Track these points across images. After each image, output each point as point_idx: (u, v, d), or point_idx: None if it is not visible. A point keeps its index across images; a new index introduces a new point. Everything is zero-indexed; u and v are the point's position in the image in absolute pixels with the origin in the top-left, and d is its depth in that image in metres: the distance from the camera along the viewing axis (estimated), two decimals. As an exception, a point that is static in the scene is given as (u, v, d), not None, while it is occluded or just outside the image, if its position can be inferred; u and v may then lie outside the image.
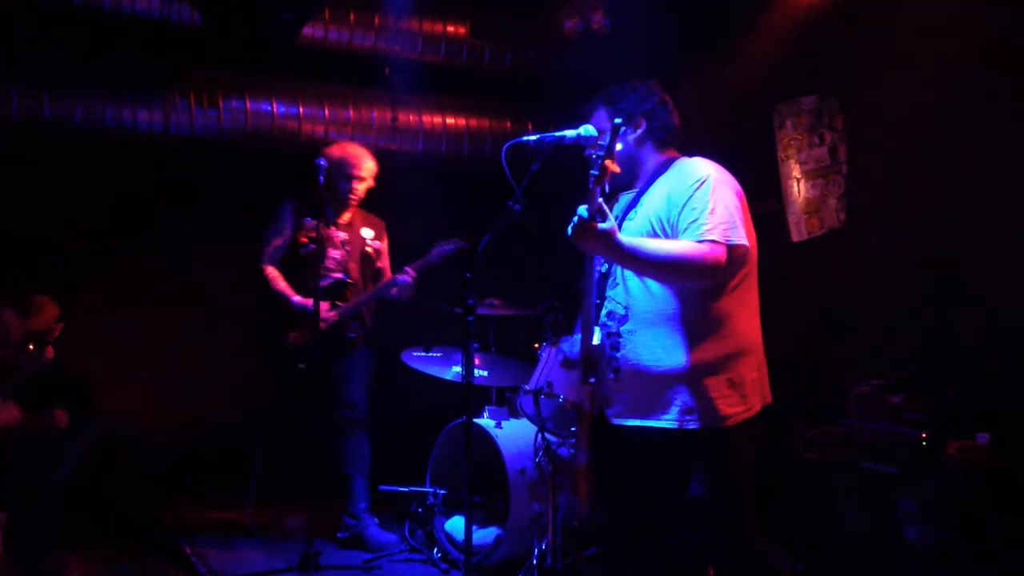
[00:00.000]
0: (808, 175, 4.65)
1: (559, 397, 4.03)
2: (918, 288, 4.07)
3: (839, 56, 4.50)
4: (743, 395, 2.66)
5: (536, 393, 4.08)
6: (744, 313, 2.72)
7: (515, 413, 4.61)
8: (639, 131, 2.84)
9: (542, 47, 5.74)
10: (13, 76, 4.77)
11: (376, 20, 5.33)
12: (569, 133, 2.92)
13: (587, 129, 2.92)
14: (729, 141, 4.71)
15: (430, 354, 4.62)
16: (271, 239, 4.74)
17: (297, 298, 4.61)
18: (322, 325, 4.45)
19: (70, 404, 4.25)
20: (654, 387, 2.65)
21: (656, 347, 2.66)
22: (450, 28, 5.54)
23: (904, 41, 4.19)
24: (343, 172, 4.66)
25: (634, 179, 2.86)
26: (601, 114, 2.86)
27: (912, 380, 3.75)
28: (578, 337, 2.89)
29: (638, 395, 2.68)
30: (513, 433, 4.45)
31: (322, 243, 4.57)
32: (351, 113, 5.52)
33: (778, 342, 2.94)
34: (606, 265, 2.74)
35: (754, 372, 2.71)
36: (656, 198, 2.73)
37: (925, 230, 4.05)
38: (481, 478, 4.50)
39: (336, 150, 4.74)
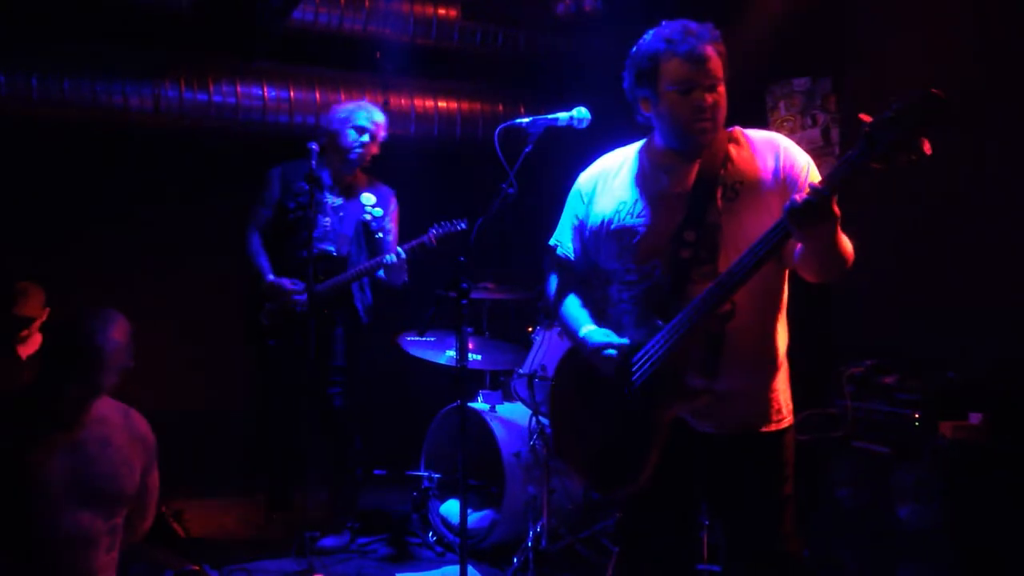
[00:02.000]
0: (800, 157, 4.64)
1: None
2: (911, 269, 4.08)
3: (832, 37, 4.49)
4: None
5: (530, 377, 4.10)
6: None
7: (509, 397, 4.62)
8: None
9: (534, 29, 5.72)
10: (1, 60, 4.74)
11: (366, 2, 5.29)
12: (562, 115, 2.90)
13: (580, 112, 2.90)
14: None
15: (424, 338, 4.58)
16: (258, 206, 4.45)
17: (271, 277, 4.33)
18: (292, 305, 4.26)
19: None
20: (756, 385, 2.42)
21: (761, 343, 2.43)
22: (441, 10, 5.51)
23: (897, 21, 4.17)
24: (353, 122, 4.32)
25: (696, 153, 2.47)
26: (720, 61, 2.44)
27: (905, 360, 3.77)
28: (604, 331, 2.48)
29: (738, 395, 2.38)
30: (507, 417, 4.46)
31: (312, 209, 4.18)
32: (342, 97, 5.48)
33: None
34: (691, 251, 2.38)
35: None
36: (753, 168, 2.41)
37: (919, 211, 4.05)
38: (476, 462, 4.51)
39: (347, 103, 4.47)
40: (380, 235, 4.47)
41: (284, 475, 4.60)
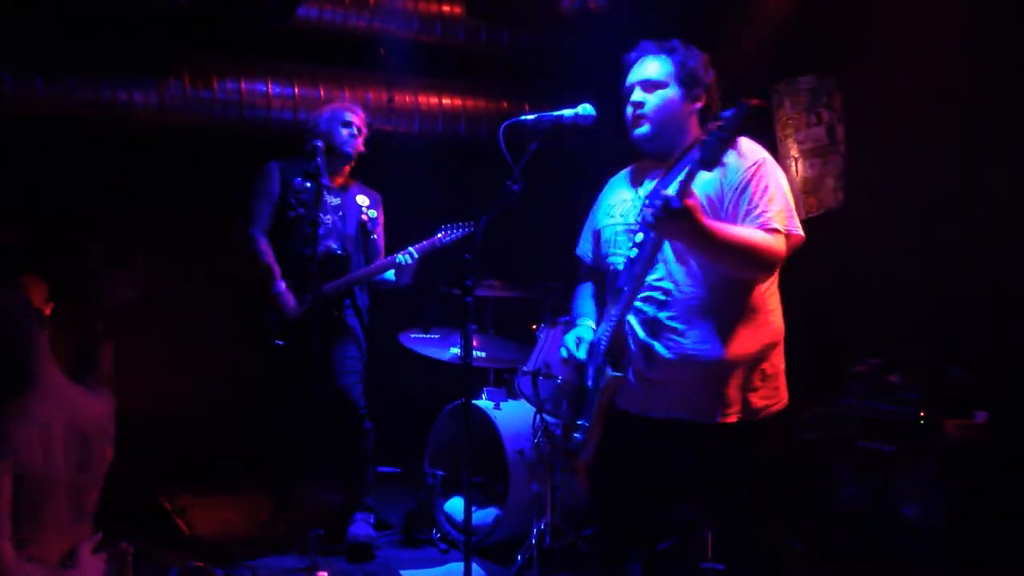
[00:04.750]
0: (806, 155, 4.65)
1: (557, 378, 4.04)
2: (916, 267, 4.07)
3: (837, 35, 4.49)
4: (775, 387, 2.57)
5: (534, 374, 4.09)
6: (776, 304, 2.61)
7: (513, 394, 4.62)
8: (696, 104, 2.63)
9: (539, 26, 5.71)
10: (5, 59, 4.73)
11: (371, 0, 5.29)
12: (567, 113, 2.89)
13: (585, 108, 2.89)
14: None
15: (428, 335, 4.59)
16: (260, 203, 4.39)
17: (281, 283, 4.28)
18: (296, 312, 4.22)
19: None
20: (695, 377, 2.51)
21: (701, 336, 2.50)
22: (446, 8, 5.51)
23: (902, 19, 4.17)
24: (340, 118, 4.39)
25: (667, 154, 2.64)
26: (665, 63, 2.62)
27: (910, 359, 3.76)
28: (585, 323, 2.77)
29: (676, 385, 2.53)
30: (511, 414, 4.46)
31: (313, 207, 4.13)
32: (347, 94, 5.48)
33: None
34: (636, 250, 2.54)
35: (783, 364, 2.59)
36: (703, 178, 2.46)
37: (924, 208, 4.05)
38: (480, 459, 4.51)
39: (326, 106, 4.57)
40: (374, 237, 4.53)
41: (290, 473, 4.58)
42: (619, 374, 2.53)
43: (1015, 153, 3.73)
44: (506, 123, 2.90)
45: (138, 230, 5.65)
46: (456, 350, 4.54)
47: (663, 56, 2.63)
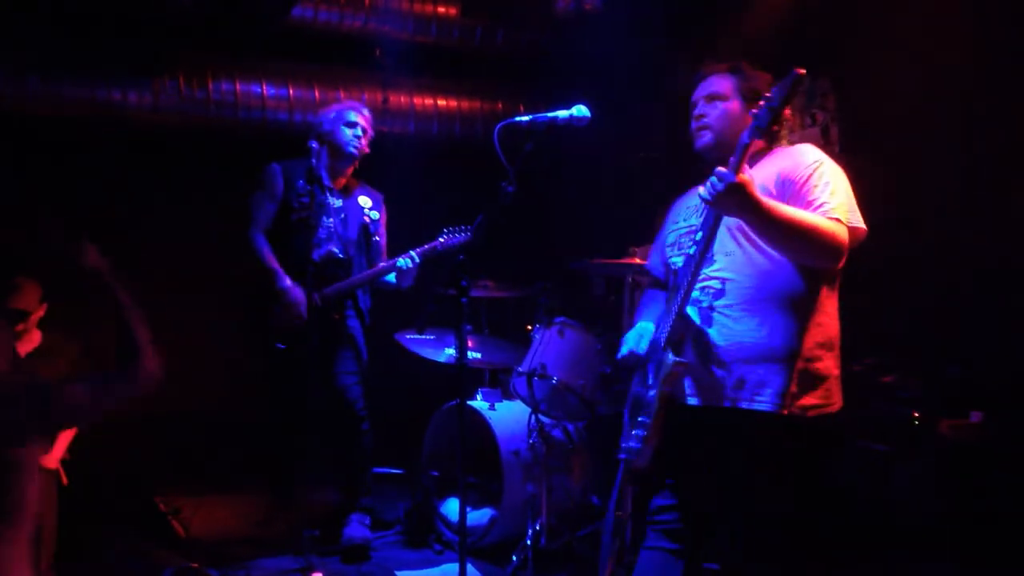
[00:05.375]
0: (801, 155, 4.64)
1: (552, 379, 4.04)
2: (911, 267, 4.07)
3: (830, 35, 4.48)
4: (827, 389, 2.57)
5: (530, 375, 4.09)
6: (833, 309, 2.64)
7: (509, 395, 4.61)
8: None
9: (534, 27, 5.71)
10: (5, 59, 4.73)
11: (366, 0, 5.29)
12: (562, 114, 2.90)
13: (579, 110, 2.90)
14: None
15: (423, 336, 4.58)
16: (261, 204, 4.38)
17: (288, 281, 4.26)
18: (301, 315, 4.18)
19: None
20: (747, 365, 2.53)
21: (755, 325, 2.53)
22: (441, 8, 5.50)
23: (896, 19, 4.16)
24: (344, 119, 4.36)
25: (725, 159, 2.71)
26: (727, 80, 2.74)
27: (909, 358, 3.76)
28: (643, 325, 2.79)
29: (728, 373, 2.55)
30: (507, 415, 4.46)
31: (316, 209, 4.17)
32: (342, 95, 5.48)
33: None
34: (693, 247, 2.57)
35: (837, 369, 2.61)
36: (764, 178, 2.56)
37: (918, 209, 4.04)
38: (475, 460, 4.51)
39: (333, 105, 4.52)
40: (376, 239, 4.50)
41: (289, 473, 4.58)
42: (682, 359, 2.55)
43: (1015, 153, 3.72)
44: (501, 124, 2.91)
45: (138, 230, 5.64)
46: (451, 351, 4.53)
47: (726, 73, 2.76)
